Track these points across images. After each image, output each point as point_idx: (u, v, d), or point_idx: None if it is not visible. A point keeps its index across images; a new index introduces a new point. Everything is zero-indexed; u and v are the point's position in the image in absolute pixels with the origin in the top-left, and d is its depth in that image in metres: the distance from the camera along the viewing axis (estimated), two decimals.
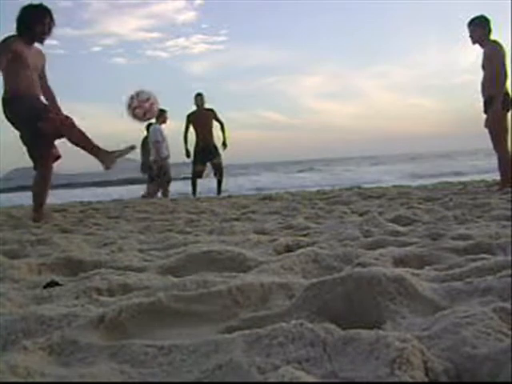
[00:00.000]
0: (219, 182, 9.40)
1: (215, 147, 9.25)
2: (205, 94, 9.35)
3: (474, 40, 5.74)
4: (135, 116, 4.72)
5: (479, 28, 5.70)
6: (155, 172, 9.33)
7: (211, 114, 9.25)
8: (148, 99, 4.73)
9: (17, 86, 4.42)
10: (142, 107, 4.71)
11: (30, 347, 1.03)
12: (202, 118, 9.17)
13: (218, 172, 9.33)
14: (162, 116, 9.11)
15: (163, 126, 9.35)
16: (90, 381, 0.89)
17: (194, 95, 9.29)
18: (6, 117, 4.49)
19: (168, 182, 9.53)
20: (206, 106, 9.31)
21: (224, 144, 9.20)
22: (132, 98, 4.73)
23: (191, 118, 9.25)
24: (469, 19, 5.79)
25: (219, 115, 9.30)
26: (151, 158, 9.31)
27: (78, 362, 1.00)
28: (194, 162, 9.27)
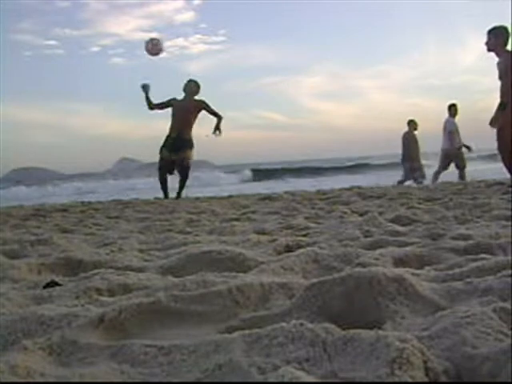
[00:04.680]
0: (181, 181, 7.77)
1: (190, 141, 7.83)
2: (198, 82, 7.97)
3: (488, 48, 6.02)
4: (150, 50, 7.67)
5: (494, 37, 5.96)
6: (444, 159, 10.35)
7: (199, 106, 7.80)
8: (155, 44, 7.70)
9: None
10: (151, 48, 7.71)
11: (30, 347, 1.03)
12: (185, 109, 7.78)
13: (182, 167, 7.74)
14: (453, 109, 10.31)
15: (456, 118, 10.44)
16: (89, 381, 0.89)
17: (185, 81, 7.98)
18: None
19: (463, 168, 10.44)
20: (197, 97, 7.94)
21: (217, 128, 7.73)
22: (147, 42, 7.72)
23: (173, 103, 7.90)
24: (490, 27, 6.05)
25: (213, 107, 7.83)
26: (444, 147, 10.35)
27: (78, 362, 1.00)
28: (161, 149, 7.87)
